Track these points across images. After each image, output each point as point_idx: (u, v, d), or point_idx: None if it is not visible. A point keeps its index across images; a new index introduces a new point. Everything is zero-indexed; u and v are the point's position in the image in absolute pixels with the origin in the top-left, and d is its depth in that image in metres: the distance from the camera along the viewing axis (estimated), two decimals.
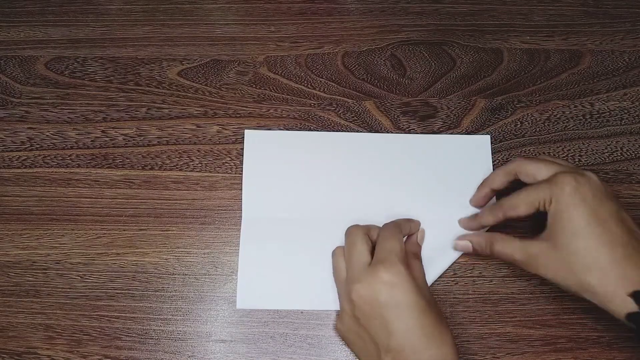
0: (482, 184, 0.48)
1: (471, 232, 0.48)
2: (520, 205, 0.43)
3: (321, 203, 0.50)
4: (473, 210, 0.49)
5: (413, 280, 0.41)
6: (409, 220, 0.48)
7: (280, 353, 0.47)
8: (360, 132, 0.53)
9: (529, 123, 0.53)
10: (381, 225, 0.46)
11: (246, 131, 0.52)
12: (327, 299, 0.48)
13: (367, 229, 0.45)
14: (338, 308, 0.47)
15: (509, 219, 0.44)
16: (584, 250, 0.40)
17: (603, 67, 0.55)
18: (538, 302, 0.48)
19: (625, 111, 0.53)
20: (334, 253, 0.47)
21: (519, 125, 0.53)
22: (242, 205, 0.50)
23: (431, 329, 0.40)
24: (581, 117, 0.53)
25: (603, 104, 0.54)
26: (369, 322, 0.41)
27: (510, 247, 0.43)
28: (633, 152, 0.52)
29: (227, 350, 0.47)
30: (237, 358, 0.47)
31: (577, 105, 0.54)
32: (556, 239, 0.41)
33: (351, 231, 0.46)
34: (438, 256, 0.48)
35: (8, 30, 0.56)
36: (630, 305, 0.38)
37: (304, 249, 0.49)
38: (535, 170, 0.44)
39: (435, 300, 0.44)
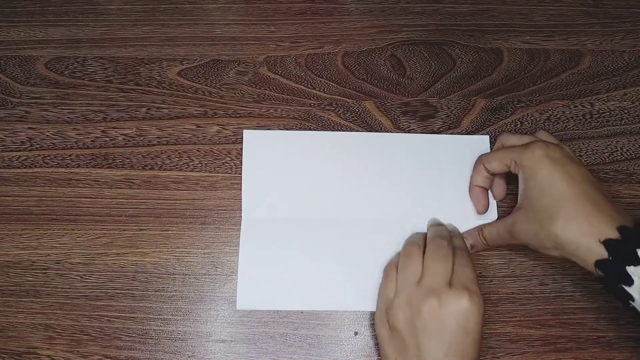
0: (469, 188, 0.50)
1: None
2: (494, 160, 0.47)
3: (321, 203, 0.50)
4: (471, 208, 0.50)
5: (483, 312, 0.41)
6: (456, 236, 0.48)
7: (280, 353, 0.47)
8: (360, 132, 0.53)
9: (529, 123, 0.53)
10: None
11: (245, 131, 0.52)
12: (327, 299, 0.48)
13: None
14: (337, 308, 0.47)
15: (489, 171, 0.48)
16: (550, 203, 0.42)
17: (603, 67, 0.55)
18: (538, 302, 0.48)
19: (625, 111, 0.53)
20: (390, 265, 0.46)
21: (519, 125, 0.53)
22: (242, 206, 0.50)
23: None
24: (581, 117, 0.53)
25: (603, 104, 0.54)
26: (426, 336, 0.40)
27: (495, 226, 0.47)
28: (633, 152, 0.52)
29: (227, 350, 0.47)
30: (237, 358, 0.47)
31: (577, 105, 0.54)
32: (526, 201, 0.43)
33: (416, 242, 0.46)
34: None
35: (8, 30, 0.56)
36: (599, 252, 0.39)
37: (304, 249, 0.49)
38: (516, 141, 0.47)
39: None
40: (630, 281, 0.38)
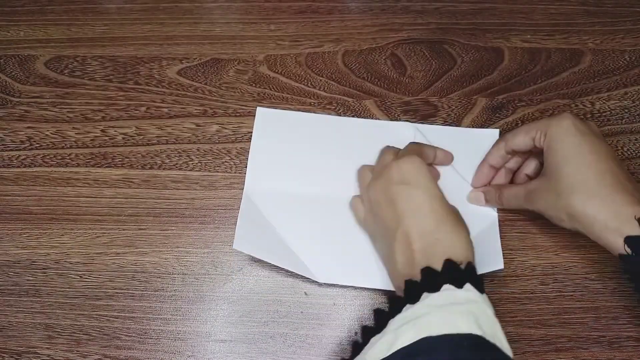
0: (480, 163, 0.50)
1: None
2: (518, 134, 0.46)
3: (325, 184, 0.50)
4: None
5: (428, 172, 0.42)
6: (434, 148, 0.49)
7: (280, 353, 0.47)
8: (374, 119, 0.52)
9: (529, 122, 0.53)
10: None
11: (258, 108, 0.52)
12: (319, 270, 0.47)
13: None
14: (326, 281, 0.47)
15: (512, 150, 0.47)
16: (572, 173, 0.41)
17: (604, 66, 0.55)
18: (538, 302, 0.48)
19: (626, 110, 0.53)
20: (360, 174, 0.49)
21: (519, 125, 0.53)
22: (246, 174, 0.50)
23: (441, 215, 0.40)
24: (582, 116, 0.53)
25: (604, 103, 0.53)
26: (382, 210, 0.42)
27: (514, 188, 0.47)
28: (633, 151, 0.52)
29: (227, 350, 0.47)
30: (237, 358, 0.46)
31: (577, 104, 0.53)
32: (549, 168, 0.43)
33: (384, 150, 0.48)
34: None
35: (8, 29, 0.56)
36: (622, 228, 0.38)
37: (302, 218, 0.49)
38: (524, 134, 0.46)
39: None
40: None
